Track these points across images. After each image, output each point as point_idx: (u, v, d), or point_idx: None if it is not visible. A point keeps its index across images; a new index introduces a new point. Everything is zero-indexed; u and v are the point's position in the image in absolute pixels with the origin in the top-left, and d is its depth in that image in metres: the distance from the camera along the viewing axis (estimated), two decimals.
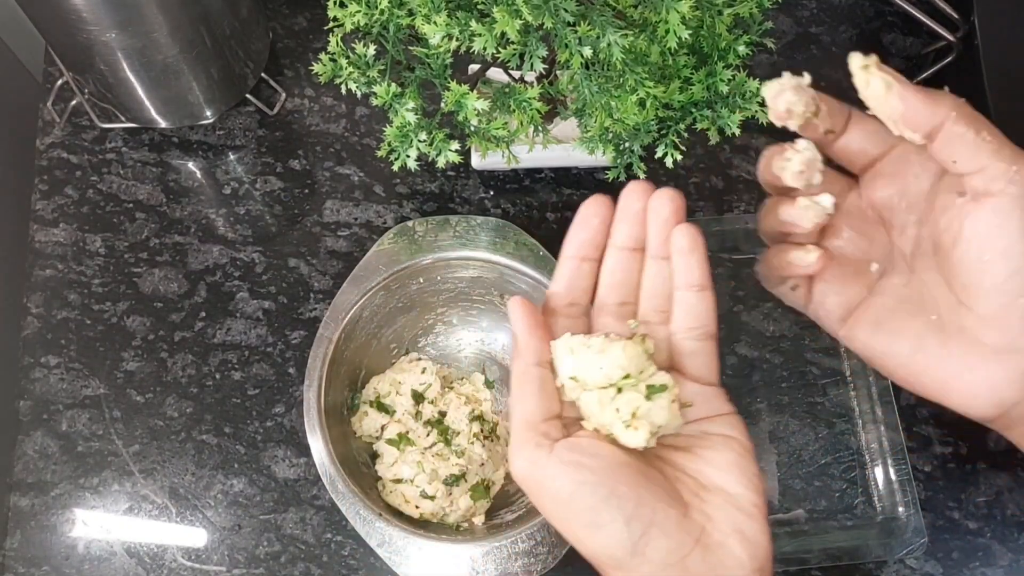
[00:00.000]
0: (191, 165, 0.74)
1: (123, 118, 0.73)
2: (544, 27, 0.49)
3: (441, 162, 0.56)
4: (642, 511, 0.36)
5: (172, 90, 0.67)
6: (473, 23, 0.50)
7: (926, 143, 0.39)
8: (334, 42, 0.55)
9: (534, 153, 0.64)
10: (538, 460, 0.37)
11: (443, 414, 0.64)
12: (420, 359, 0.67)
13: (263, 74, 0.74)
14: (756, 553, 0.37)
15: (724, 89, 0.56)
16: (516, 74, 0.63)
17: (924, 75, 0.71)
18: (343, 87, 0.55)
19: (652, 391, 0.39)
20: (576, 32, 0.49)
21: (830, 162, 0.42)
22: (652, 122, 0.56)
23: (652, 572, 0.36)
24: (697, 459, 0.40)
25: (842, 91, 0.79)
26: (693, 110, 0.57)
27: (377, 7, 0.53)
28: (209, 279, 0.71)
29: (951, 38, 0.66)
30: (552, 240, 0.71)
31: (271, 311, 0.70)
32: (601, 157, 0.58)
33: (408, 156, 0.56)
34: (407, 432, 0.63)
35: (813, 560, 0.62)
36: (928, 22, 0.66)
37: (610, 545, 0.36)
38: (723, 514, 0.38)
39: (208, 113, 0.72)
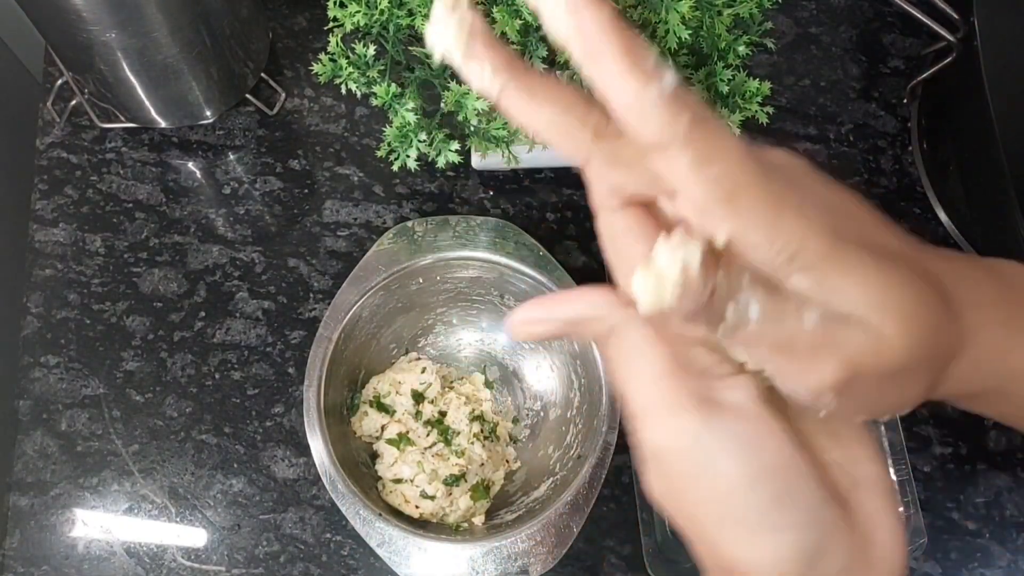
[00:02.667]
0: (191, 165, 0.74)
1: (123, 118, 0.73)
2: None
3: (441, 162, 0.56)
4: (819, 516, 0.28)
5: (172, 90, 0.67)
6: None
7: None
8: (334, 42, 0.55)
9: (534, 153, 0.64)
10: (699, 427, 0.27)
11: (443, 414, 0.64)
12: (420, 359, 0.67)
13: (263, 74, 0.74)
14: (904, 570, 0.30)
15: (724, 89, 0.56)
16: None
17: (924, 75, 0.71)
18: (343, 87, 0.55)
19: None
20: None
21: None
22: None
23: None
24: (842, 442, 0.30)
25: (843, 91, 0.80)
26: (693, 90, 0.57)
27: (377, 7, 0.53)
28: (209, 279, 0.71)
29: (951, 38, 0.66)
30: (552, 240, 0.72)
31: (271, 311, 0.70)
32: None
33: (408, 156, 0.56)
34: (407, 432, 0.63)
35: None
36: (928, 22, 0.66)
37: (781, 554, 0.27)
38: (883, 520, 0.29)
39: (208, 113, 0.72)
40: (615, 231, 0.28)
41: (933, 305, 0.27)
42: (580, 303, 0.28)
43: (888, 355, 0.26)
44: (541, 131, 0.26)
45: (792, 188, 0.25)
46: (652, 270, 0.24)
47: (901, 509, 0.29)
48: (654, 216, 0.28)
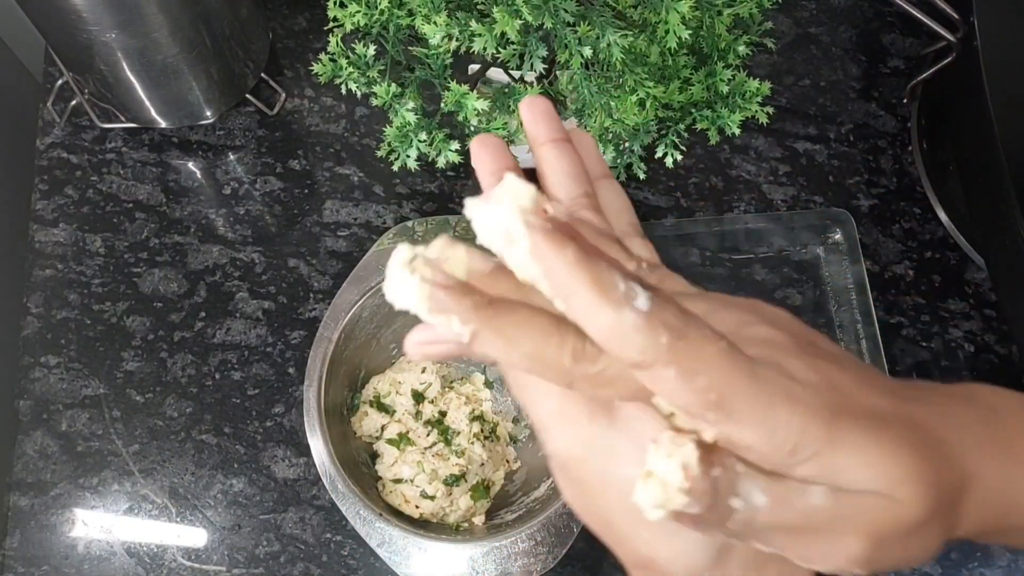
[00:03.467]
0: (191, 165, 0.74)
1: (123, 118, 0.73)
2: (544, 27, 0.49)
3: (441, 162, 0.56)
4: None
5: (172, 90, 0.67)
6: (473, 23, 0.50)
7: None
8: (334, 42, 0.55)
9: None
10: (595, 435, 0.28)
11: (443, 414, 0.64)
12: None
13: (263, 74, 0.74)
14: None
15: (724, 89, 0.56)
16: (516, 74, 0.63)
17: (924, 75, 0.71)
18: (343, 87, 0.55)
19: None
20: (576, 32, 0.49)
21: None
22: (652, 122, 0.56)
23: None
24: None
25: (843, 91, 0.80)
26: (693, 110, 0.57)
27: (377, 7, 0.53)
28: (209, 279, 0.71)
29: (951, 38, 0.66)
30: None
31: (271, 311, 0.70)
32: None
33: (408, 156, 0.56)
34: (407, 432, 0.63)
35: None
36: (928, 22, 0.66)
37: (690, 553, 0.28)
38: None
39: (208, 113, 0.72)
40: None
41: (933, 460, 0.27)
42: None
43: (905, 516, 0.26)
44: (519, 365, 0.26)
45: (778, 372, 0.25)
46: (654, 479, 0.24)
47: None
48: None
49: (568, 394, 0.28)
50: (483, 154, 0.30)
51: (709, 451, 0.25)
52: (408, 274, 0.24)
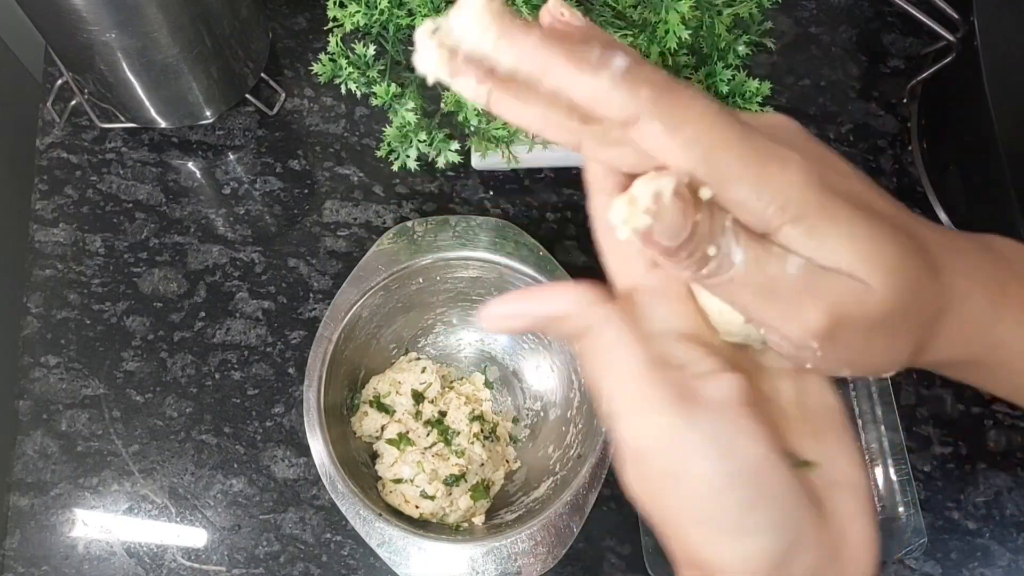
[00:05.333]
0: (191, 165, 0.74)
1: (123, 118, 0.73)
2: None
3: (441, 162, 0.56)
4: (792, 518, 0.27)
5: (172, 90, 0.67)
6: None
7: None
8: (334, 42, 0.55)
9: (534, 153, 0.64)
10: (675, 425, 0.26)
11: (443, 414, 0.64)
12: (420, 359, 0.67)
13: (263, 74, 0.74)
14: (874, 569, 0.29)
15: (724, 89, 0.56)
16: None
17: (924, 75, 0.71)
18: (343, 87, 0.55)
19: None
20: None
21: None
22: None
23: None
24: (823, 442, 0.30)
25: (843, 91, 0.80)
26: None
27: (377, 7, 0.53)
28: (209, 279, 0.71)
29: (951, 38, 0.66)
30: (552, 240, 0.72)
31: (271, 311, 0.70)
32: None
33: (408, 156, 0.56)
34: (407, 432, 0.63)
35: None
36: (928, 22, 0.66)
37: (755, 557, 0.27)
38: (857, 521, 0.29)
39: (208, 113, 0.72)
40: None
41: (917, 261, 0.27)
42: (557, 300, 0.28)
43: (873, 304, 0.26)
44: (532, 125, 0.27)
45: (777, 142, 0.26)
46: (627, 197, 0.25)
47: (876, 513, 0.29)
48: None
49: (652, 376, 0.27)
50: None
51: (699, 200, 0.25)
52: (431, 43, 0.26)
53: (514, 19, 0.25)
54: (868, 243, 0.26)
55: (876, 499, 0.65)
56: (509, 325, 0.29)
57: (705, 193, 0.25)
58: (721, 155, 0.25)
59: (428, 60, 0.26)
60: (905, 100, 0.76)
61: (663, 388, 0.27)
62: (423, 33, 0.26)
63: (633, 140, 0.26)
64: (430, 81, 0.27)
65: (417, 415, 0.64)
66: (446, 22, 0.26)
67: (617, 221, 0.25)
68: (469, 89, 0.27)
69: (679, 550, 0.29)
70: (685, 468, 0.27)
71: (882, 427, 0.65)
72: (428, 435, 0.63)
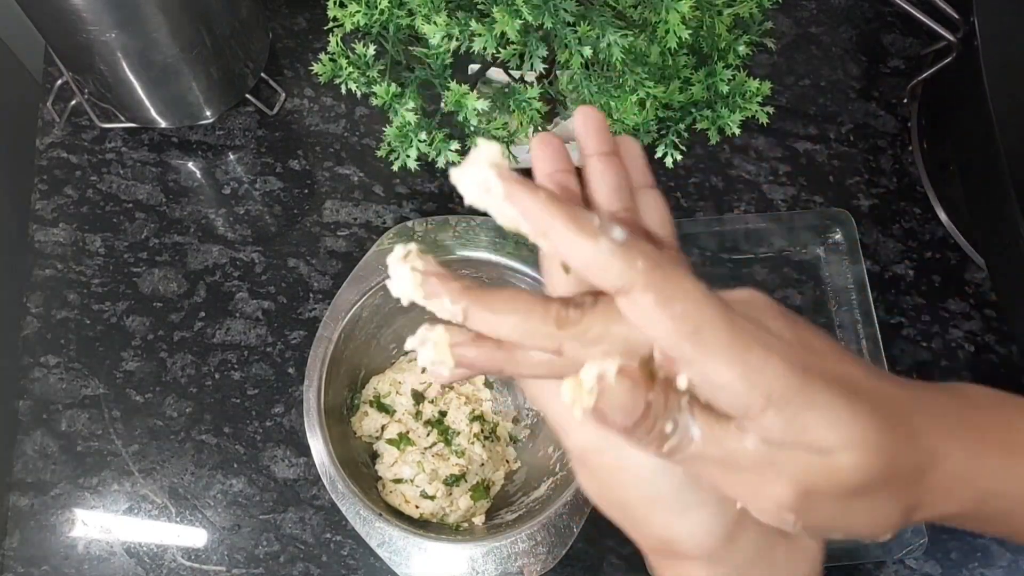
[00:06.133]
0: (191, 165, 0.74)
1: (123, 118, 0.73)
2: (544, 27, 0.49)
3: (441, 162, 0.56)
4: None
5: (172, 90, 0.67)
6: (473, 23, 0.50)
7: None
8: (334, 42, 0.55)
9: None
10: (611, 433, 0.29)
11: (443, 414, 0.64)
12: None
13: (263, 74, 0.74)
14: (823, 545, 0.32)
15: (724, 89, 0.56)
16: (516, 74, 0.63)
17: (924, 75, 0.71)
18: (343, 87, 0.55)
19: None
20: (576, 32, 0.49)
21: None
22: (652, 122, 0.56)
23: (742, 564, 0.31)
24: None
25: (843, 91, 0.80)
26: (693, 110, 0.57)
27: (377, 7, 0.53)
28: (209, 279, 0.71)
29: (951, 38, 0.66)
30: None
31: (271, 311, 0.70)
32: None
33: (408, 156, 0.56)
34: (407, 432, 0.63)
35: None
36: (928, 22, 0.66)
37: (701, 531, 0.30)
38: None
39: (208, 113, 0.72)
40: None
41: (895, 434, 0.28)
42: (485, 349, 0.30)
43: (842, 475, 0.27)
44: (511, 335, 0.28)
45: (756, 324, 0.27)
46: (574, 380, 0.27)
47: None
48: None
49: None
50: (543, 154, 0.32)
51: (652, 379, 0.27)
52: (404, 267, 0.29)
53: (520, 180, 0.27)
54: (847, 427, 0.27)
55: None
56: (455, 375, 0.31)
57: (683, 382, 0.27)
58: (708, 334, 0.26)
59: (402, 284, 0.29)
60: (905, 100, 0.76)
61: None
62: (395, 258, 0.28)
63: (620, 334, 0.27)
64: (404, 303, 0.29)
65: (417, 415, 0.64)
66: (415, 247, 0.29)
67: (567, 400, 0.27)
68: (444, 309, 0.28)
69: (641, 537, 0.32)
70: (624, 461, 0.30)
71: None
72: (428, 435, 0.63)
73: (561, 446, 0.31)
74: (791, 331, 0.29)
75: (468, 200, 0.28)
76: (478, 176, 0.27)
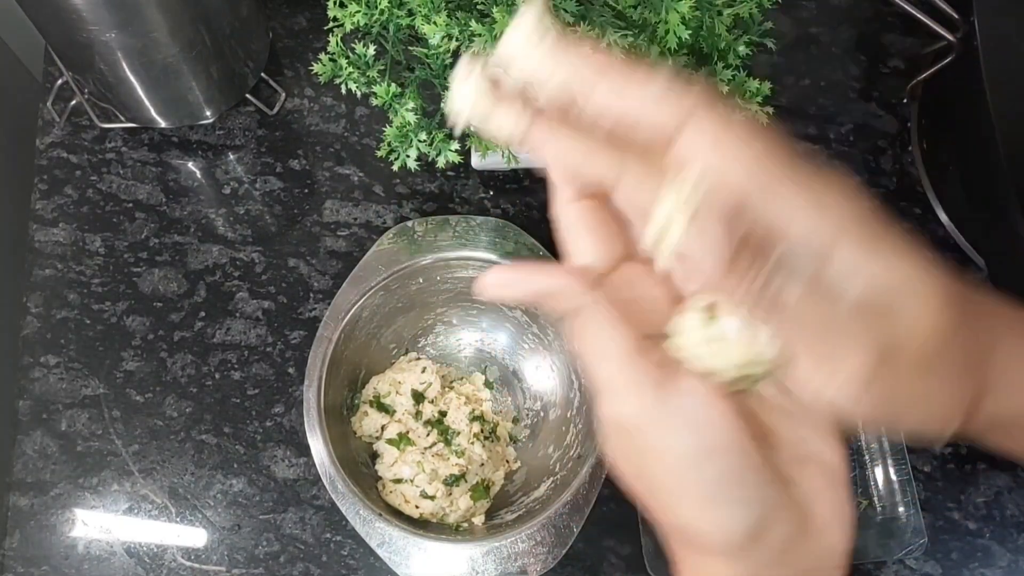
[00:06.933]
0: (191, 165, 0.74)
1: (123, 118, 0.73)
2: None
3: (441, 162, 0.56)
4: (762, 493, 0.29)
5: (172, 90, 0.67)
6: (473, 23, 0.50)
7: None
8: (334, 42, 0.55)
9: None
10: (655, 405, 0.28)
11: (443, 414, 0.64)
12: (420, 359, 0.67)
13: (263, 74, 0.74)
14: (847, 541, 0.32)
15: (724, 89, 0.56)
16: None
17: (924, 75, 0.71)
18: (343, 87, 0.55)
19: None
20: (576, 32, 0.49)
21: None
22: None
23: (766, 561, 0.30)
24: (795, 421, 0.31)
25: (843, 91, 0.80)
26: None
27: (377, 7, 0.53)
28: (209, 279, 0.71)
29: (951, 38, 0.66)
30: (552, 240, 0.71)
31: (271, 311, 0.70)
32: None
33: (408, 156, 0.56)
34: (407, 432, 0.63)
35: None
36: (928, 22, 0.66)
37: (729, 526, 0.29)
38: (825, 496, 0.31)
39: (208, 113, 0.72)
40: (571, 220, 0.31)
41: (961, 291, 0.28)
42: (555, 278, 0.30)
43: (918, 336, 0.27)
44: (574, 158, 0.28)
45: (823, 178, 0.27)
46: (655, 220, 0.26)
47: (849, 491, 0.32)
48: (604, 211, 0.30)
49: (635, 358, 0.29)
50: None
51: (753, 238, 0.26)
52: (474, 72, 0.28)
53: (565, 38, 0.27)
54: (918, 268, 0.27)
55: (876, 499, 0.65)
56: (505, 293, 0.31)
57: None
58: (770, 163, 0.25)
59: (468, 91, 0.27)
60: (905, 100, 0.76)
61: (645, 371, 0.28)
62: (465, 63, 0.27)
63: (680, 150, 0.26)
64: (459, 126, 0.28)
65: (417, 415, 0.64)
66: (485, 56, 0.28)
67: (651, 239, 0.26)
68: (510, 120, 0.27)
69: (667, 521, 0.31)
70: (664, 444, 0.29)
71: (882, 427, 0.65)
72: (428, 435, 0.63)
73: (597, 413, 0.30)
74: (864, 202, 0.29)
75: (519, 63, 0.27)
76: (524, 39, 0.27)
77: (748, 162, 0.25)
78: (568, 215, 0.31)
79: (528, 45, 0.27)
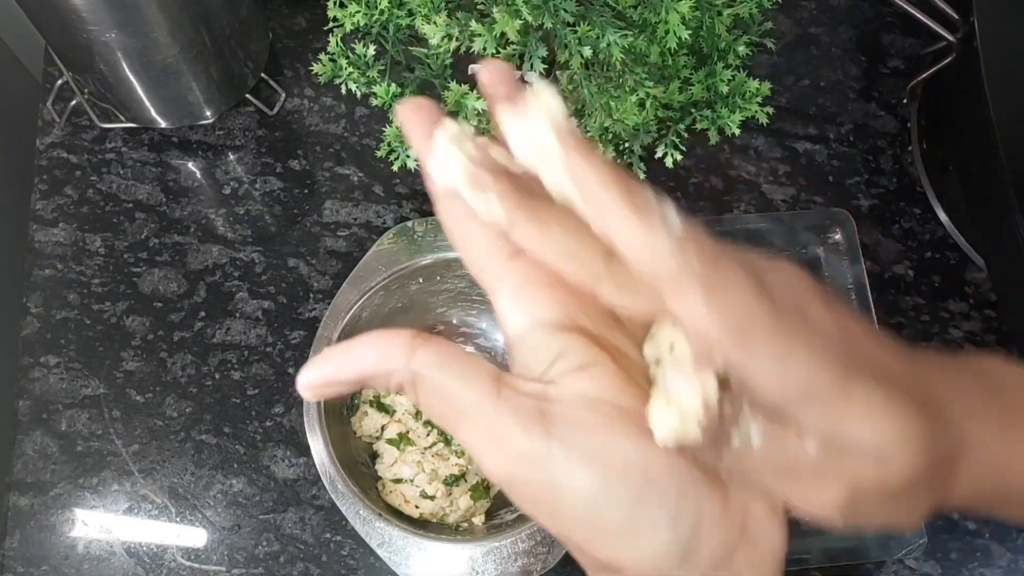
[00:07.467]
0: (191, 165, 0.74)
1: (123, 118, 0.73)
2: (544, 27, 0.49)
3: None
4: (686, 503, 0.26)
5: (172, 90, 0.67)
6: (473, 23, 0.50)
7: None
8: (334, 42, 0.55)
9: None
10: (535, 450, 0.25)
11: None
12: None
13: (263, 74, 0.74)
14: (785, 540, 0.29)
15: (724, 89, 0.56)
16: (516, 74, 0.63)
17: (924, 75, 0.71)
18: (343, 87, 0.55)
19: None
20: (576, 32, 0.49)
21: None
22: (652, 122, 0.56)
23: None
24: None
25: (843, 91, 0.80)
26: (693, 110, 0.57)
27: (377, 7, 0.53)
28: (209, 279, 0.71)
29: (951, 38, 0.66)
30: None
31: (271, 311, 0.70)
32: None
33: (408, 156, 0.56)
34: (407, 432, 0.63)
35: (812, 560, 0.62)
36: (928, 22, 0.66)
37: (655, 554, 0.26)
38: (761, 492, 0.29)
39: (208, 113, 0.72)
40: (456, 218, 0.28)
41: (933, 425, 0.27)
42: (366, 359, 0.27)
43: (891, 478, 0.26)
44: (552, 257, 0.26)
45: (798, 316, 0.25)
46: (673, 403, 0.23)
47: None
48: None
49: (498, 404, 0.26)
50: (413, 116, 0.27)
51: (722, 386, 0.24)
52: (452, 149, 0.24)
53: (582, 147, 0.24)
54: (887, 421, 0.26)
55: None
56: (327, 393, 0.27)
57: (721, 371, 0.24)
58: (755, 333, 0.24)
59: (446, 167, 0.25)
60: (905, 100, 0.76)
61: (512, 413, 0.26)
62: (445, 137, 0.24)
63: (665, 303, 0.25)
64: (438, 189, 0.25)
65: (417, 415, 0.64)
66: (467, 128, 0.25)
67: (663, 432, 0.24)
68: (487, 208, 0.25)
69: (583, 559, 0.28)
70: (558, 486, 0.26)
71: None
72: (428, 435, 0.63)
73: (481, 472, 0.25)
74: (832, 319, 0.27)
75: (516, 155, 0.24)
76: (533, 132, 0.24)
77: (734, 331, 0.24)
78: (453, 213, 0.28)
79: (533, 146, 0.24)
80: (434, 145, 0.25)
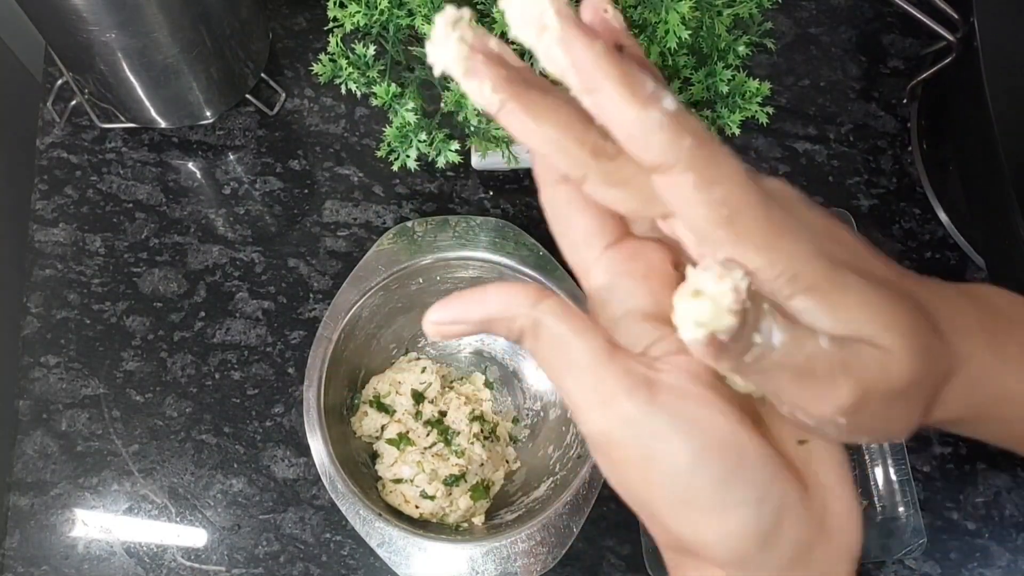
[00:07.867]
0: (191, 165, 0.74)
1: (123, 118, 0.73)
2: None
3: (441, 162, 0.56)
4: (773, 488, 0.27)
5: (172, 90, 0.67)
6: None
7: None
8: (334, 42, 0.55)
9: None
10: (637, 416, 0.26)
11: (443, 414, 0.64)
12: (420, 359, 0.67)
13: (263, 74, 0.74)
14: (860, 543, 0.29)
15: (724, 89, 0.56)
16: None
17: (924, 75, 0.71)
18: (343, 87, 0.55)
19: None
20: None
21: None
22: None
23: (776, 571, 0.28)
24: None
25: (843, 91, 0.80)
26: (693, 110, 0.57)
27: (377, 7, 0.53)
28: (209, 279, 0.71)
29: (951, 38, 0.66)
30: (552, 240, 0.71)
31: (271, 311, 0.70)
32: None
33: (408, 156, 0.56)
34: (407, 432, 0.63)
35: None
36: (928, 22, 0.66)
37: (736, 535, 0.27)
38: (839, 491, 0.29)
39: (208, 113, 0.72)
40: (559, 203, 0.29)
41: (927, 325, 0.27)
42: (494, 302, 0.27)
43: (896, 372, 0.26)
44: (539, 147, 0.26)
45: (788, 214, 0.26)
46: (705, 297, 0.23)
47: (855, 486, 0.30)
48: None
49: (607, 365, 0.26)
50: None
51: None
52: (452, 34, 0.25)
53: (579, 25, 0.24)
54: (882, 310, 0.26)
55: (876, 499, 0.65)
56: (452, 331, 0.28)
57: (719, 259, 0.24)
58: (742, 221, 0.24)
59: (444, 52, 0.25)
60: (905, 101, 0.76)
61: (620, 377, 0.26)
62: (444, 22, 0.25)
63: (654, 187, 0.25)
64: (436, 72, 0.25)
65: (417, 415, 0.64)
66: (469, 14, 0.25)
67: (692, 323, 0.24)
68: (482, 94, 0.25)
69: (661, 535, 0.29)
70: (654, 452, 0.26)
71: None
72: (428, 435, 0.63)
73: (578, 429, 0.25)
74: (821, 222, 0.27)
75: (513, 29, 0.24)
76: (533, 8, 0.24)
77: (724, 217, 0.24)
78: (557, 198, 0.29)
79: (531, 24, 0.24)
80: (432, 30, 0.25)
